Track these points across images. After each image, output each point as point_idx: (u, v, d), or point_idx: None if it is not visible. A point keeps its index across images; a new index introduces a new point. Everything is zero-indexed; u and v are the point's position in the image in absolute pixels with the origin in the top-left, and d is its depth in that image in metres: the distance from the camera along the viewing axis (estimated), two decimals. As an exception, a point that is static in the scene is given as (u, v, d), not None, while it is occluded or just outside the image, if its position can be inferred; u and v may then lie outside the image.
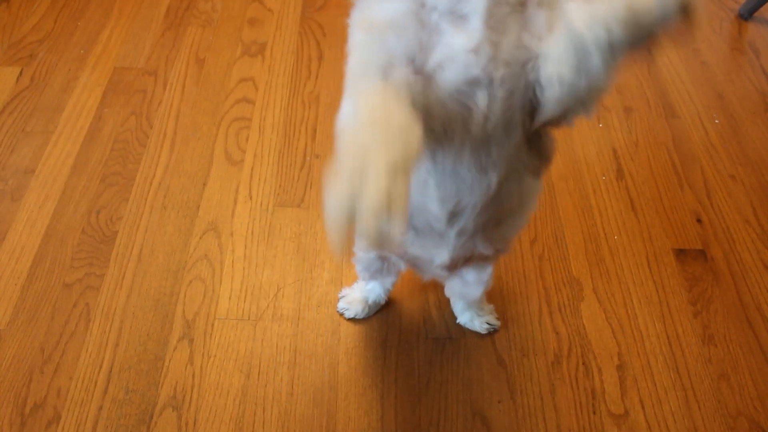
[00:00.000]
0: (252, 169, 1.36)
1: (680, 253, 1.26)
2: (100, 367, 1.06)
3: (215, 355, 1.08)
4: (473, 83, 0.55)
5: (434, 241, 0.75)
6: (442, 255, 0.77)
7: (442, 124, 0.58)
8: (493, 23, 0.54)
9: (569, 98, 0.56)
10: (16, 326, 1.10)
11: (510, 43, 0.55)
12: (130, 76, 1.55)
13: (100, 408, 1.01)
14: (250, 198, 1.31)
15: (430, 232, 0.73)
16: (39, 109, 1.46)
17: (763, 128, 1.53)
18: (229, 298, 1.15)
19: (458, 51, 0.54)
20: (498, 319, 1.13)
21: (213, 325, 1.12)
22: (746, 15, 1.82)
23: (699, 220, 1.32)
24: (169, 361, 1.07)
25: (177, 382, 1.05)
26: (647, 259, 1.25)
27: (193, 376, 1.05)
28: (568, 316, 1.16)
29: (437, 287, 1.17)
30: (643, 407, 1.05)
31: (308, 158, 1.39)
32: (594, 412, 1.04)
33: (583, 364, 1.10)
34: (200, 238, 1.24)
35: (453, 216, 0.69)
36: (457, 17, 0.53)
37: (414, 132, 0.46)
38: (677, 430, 1.03)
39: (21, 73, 1.54)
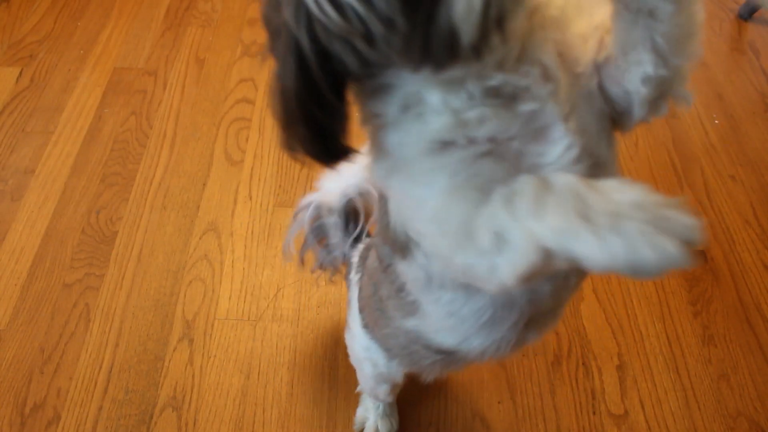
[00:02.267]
0: (252, 169, 1.36)
1: (680, 254, 1.26)
2: (100, 367, 1.06)
3: (215, 356, 1.08)
4: None
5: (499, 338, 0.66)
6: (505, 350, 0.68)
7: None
8: (574, 119, 0.49)
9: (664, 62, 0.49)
10: (16, 326, 1.10)
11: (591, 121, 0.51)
12: (130, 76, 1.55)
13: (100, 408, 1.01)
14: (250, 198, 1.31)
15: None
16: (39, 109, 1.46)
17: (763, 128, 1.53)
18: (229, 299, 1.15)
19: (555, 163, 0.49)
20: None
21: (213, 325, 1.12)
22: (746, 15, 1.82)
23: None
24: (169, 361, 1.07)
25: (177, 382, 1.05)
26: (647, 260, 1.25)
27: (193, 376, 1.05)
28: (567, 316, 1.16)
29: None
30: (642, 407, 1.05)
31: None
32: (594, 413, 1.04)
33: (582, 364, 1.10)
34: (200, 238, 1.24)
35: (528, 325, 0.63)
36: (537, 132, 0.49)
37: None
38: (677, 431, 1.03)
39: (21, 73, 1.54)
